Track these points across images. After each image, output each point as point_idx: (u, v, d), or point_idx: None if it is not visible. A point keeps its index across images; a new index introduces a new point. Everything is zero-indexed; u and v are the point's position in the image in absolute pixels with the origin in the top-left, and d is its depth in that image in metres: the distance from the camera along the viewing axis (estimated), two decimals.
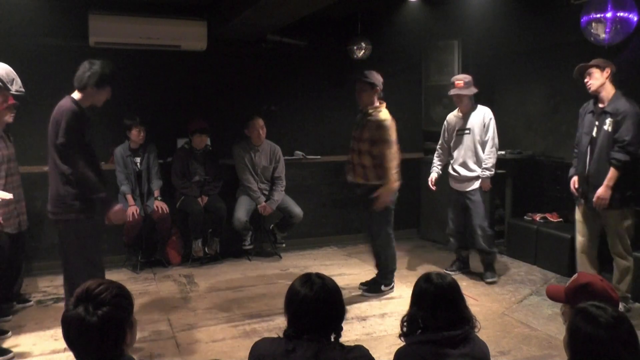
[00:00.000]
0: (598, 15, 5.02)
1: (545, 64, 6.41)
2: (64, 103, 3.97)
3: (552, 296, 2.60)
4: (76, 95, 4.02)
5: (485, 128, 5.46)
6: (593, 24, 5.08)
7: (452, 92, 5.47)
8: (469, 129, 5.53)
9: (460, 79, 5.47)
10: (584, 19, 5.13)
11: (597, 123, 4.57)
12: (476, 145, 5.50)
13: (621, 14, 4.91)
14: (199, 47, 6.20)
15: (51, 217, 4.00)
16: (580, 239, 4.88)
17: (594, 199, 4.50)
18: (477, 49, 6.60)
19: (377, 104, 5.06)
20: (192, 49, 6.21)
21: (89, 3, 5.83)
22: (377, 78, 5.04)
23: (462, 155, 5.57)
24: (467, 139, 5.54)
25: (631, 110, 4.40)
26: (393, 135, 4.95)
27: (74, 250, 3.96)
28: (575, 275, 2.50)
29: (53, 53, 5.89)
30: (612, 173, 4.41)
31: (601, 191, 4.45)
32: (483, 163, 5.46)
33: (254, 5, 4.97)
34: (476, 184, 5.50)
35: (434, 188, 5.80)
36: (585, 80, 4.60)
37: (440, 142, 5.89)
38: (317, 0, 4.97)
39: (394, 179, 4.95)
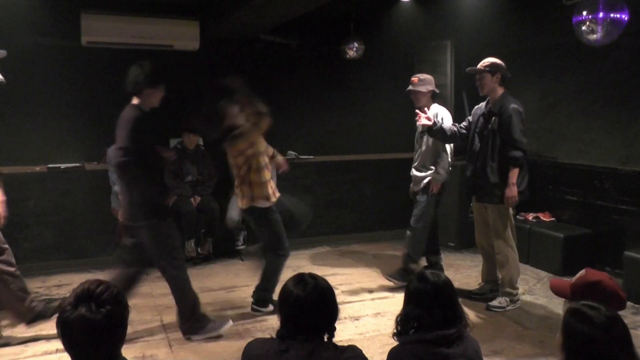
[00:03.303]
0: (589, 16, 5.04)
1: (537, 64, 6.43)
2: (125, 113, 4.08)
3: (557, 291, 2.59)
4: (135, 100, 4.13)
5: None
6: (584, 25, 5.09)
7: (408, 88, 5.33)
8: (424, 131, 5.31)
9: (417, 76, 5.34)
10: (575, 19, 5.15)
11: (485, 123, 4.81)
12: (429, 147, 5.30)
13: (612, 15, 4.93)
14: (191, 47, 6.19)
15: (129, 224, 4.17)
16: (476, 233, 5.11)
17: (505, 200, 4.66)
18: (469, 49, 6.62)
19: None
20: (185, 48, 6.20)
21: (81, 2, 5.81)
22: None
23: (418, 157, 5.44)
24: (424, 141, 5.36)
25: (515, 109, 4.65)
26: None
27: (157, 254, 4.16)
28: (582, 272, 2.48)
29: (45, 52, 5.87)
30: (512, 171, 4.63)
31: (508, 192, 4.64)
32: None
33: (246, 5, 4.96)
34: (423, 184, 5.32)
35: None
36: (477, 82, 4.81)
37: (415, 146, 5.64)
38: (309, 0, 4.97)
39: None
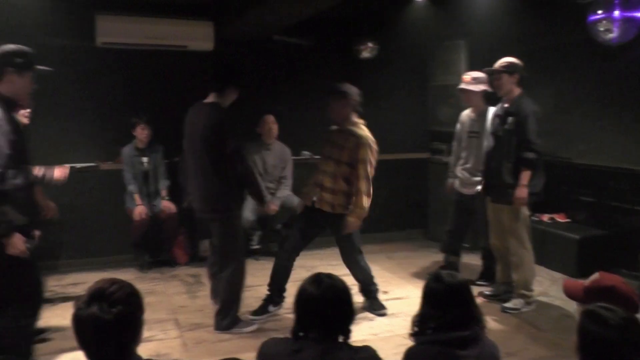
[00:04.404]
0: (605, 14, 5.00)
1: (551, 63, 6.38)
2: (210, 113, 4.23)
3: (570, 293, 2.58)
4: (211, 98, 4.29)
5: None
6: (600, 23, 5.06)
7: (460, 86, 5.26)
8: (477, 132, 5.25)
9: (469, 74, 5.22)
10: (590, 18, 5.12)
11: (501, 123, 4.74)
12: (483, 150, 5.14)
13: (629, 13, 4.89)
14: (205, 48, 6.21)
15: (209, 216, 4.37)
16: (491, 234, 5.05)
17: (514, 201, 4.62)
18: (483, 49, 6.58)
19: (354, 119, 4.61)
20: (199, 49, 6.22)
21: (97, 4, 5.86)
22: (352, 90, 4.60)
23: (469, 160, 5.34)
24: (475, 143, 5.26)
25: (531, 110, 4.60)
26: (374, 155, 4.55)
27: (230, 247, 4.36)
28: (595, 276, 2.46)
29: (60, 53, 5.91)
30: (524, 173, 4.58)
31: (518, 192, 4.59)
32: None
33: (260, 5, 4.97)
34: (478, 188, 5.19)
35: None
36: (494, 83, 4.76)
37: (454, 144, 5.63)
38: (323, 0, 4.98)
39: (365, 208, 4.55)
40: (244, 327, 4.46)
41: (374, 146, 4.54)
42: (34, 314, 3.65)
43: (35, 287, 3.62)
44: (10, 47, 3.39)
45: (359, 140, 4.47)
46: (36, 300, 3.65)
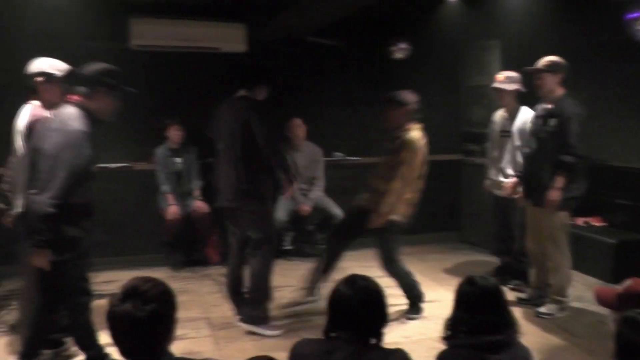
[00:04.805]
0: None
1: (586, 63, 6.26)
2: (249, 107, 4.33)
3: (603, 301, 2.53)
4: (245, 92, 4.39)
5: (523, 134, 5.08)
6: (638, 22, 4.96)
7: (493, 85, 5.24)
8: (509, 132, 5.22)
9: (503, 73, 5.20)
10: (628, 17, 5.02)
11: (543, 124, 4.61)
12: (514, 151, 5.15)
13: None
14: (238, 49, 6.26)
15: (243, 208, 4.37)
16: (528, 238, 4.92)
17: (546, 203, 4.50)
18: (517, 49, 6.50)
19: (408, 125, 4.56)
20: (232, 50, 6.27)
21: (131, 8, 5.95)
22: (410, 98, 4.58)
23: (501, 159, 5.31)
24: (506, 142, 5.23)
25: (575, 112, 4.45)
26: (416, 159, 4.52)
27: (264, 242, 4.38)
28: (629, 282, 2.41)
29: (95, 55, 5.98)
30: (560, 176, 4.44)
31: (550, 195, 4.46)
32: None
33: (292, 7, 4.99)
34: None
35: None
36: (536, 82, 4.61)
37: (489, 145, 5.61)
38: (355, 0, 4.97)
39: (390, 207, 4.51)
40: (267, 330, 4.39)
41: (422, 148, 4.54)
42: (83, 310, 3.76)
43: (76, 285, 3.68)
44: (103, 66, 3.53)
45: (404, 143, 4.48)
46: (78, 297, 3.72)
